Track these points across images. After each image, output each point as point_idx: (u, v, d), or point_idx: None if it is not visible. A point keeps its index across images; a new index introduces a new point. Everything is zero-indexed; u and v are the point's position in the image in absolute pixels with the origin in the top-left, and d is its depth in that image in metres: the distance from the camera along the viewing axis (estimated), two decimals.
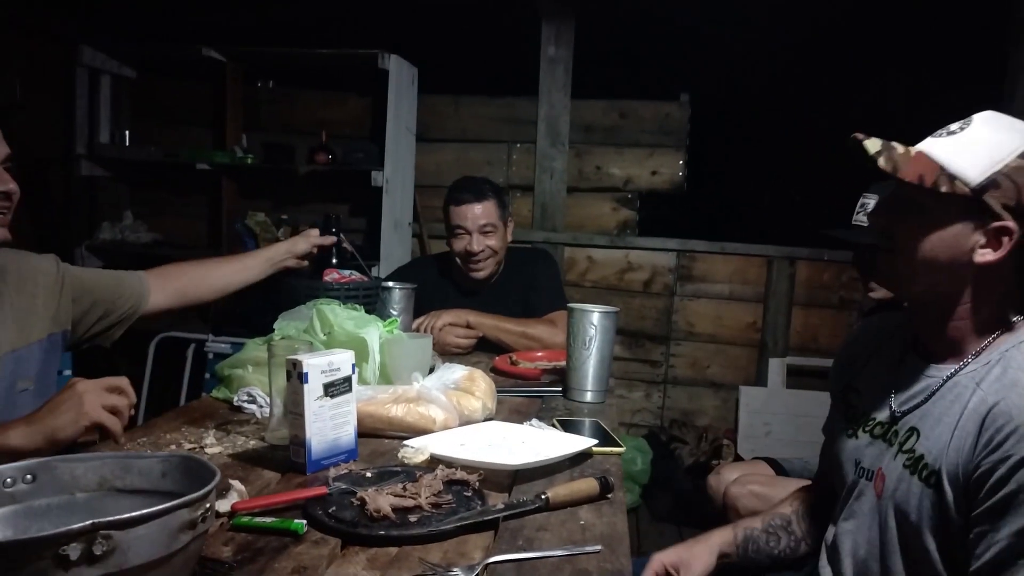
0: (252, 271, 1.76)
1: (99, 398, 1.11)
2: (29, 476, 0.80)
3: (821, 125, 3.43)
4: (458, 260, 2.31)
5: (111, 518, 0.61)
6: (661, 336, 3.57)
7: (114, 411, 1.12)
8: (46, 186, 3.44)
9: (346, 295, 1.81)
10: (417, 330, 2.07)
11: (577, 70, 3.45)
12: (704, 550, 1.25)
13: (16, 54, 3.19)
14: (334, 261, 1.91)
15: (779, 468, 1.98)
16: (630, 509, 3.21)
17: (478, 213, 2.26)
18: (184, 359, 3.26)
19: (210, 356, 3.16)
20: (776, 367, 3.47)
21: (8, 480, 0.79)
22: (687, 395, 3.59)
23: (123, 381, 1.16)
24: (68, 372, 2.30)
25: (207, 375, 3.15)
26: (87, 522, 0.60)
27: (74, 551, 0.58)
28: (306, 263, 1.85)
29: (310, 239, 1.83)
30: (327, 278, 1.85)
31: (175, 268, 1.68)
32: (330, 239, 1.88)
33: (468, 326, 2.15)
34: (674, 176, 3.53)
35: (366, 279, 1.93)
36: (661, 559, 1.22)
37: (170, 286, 1.63)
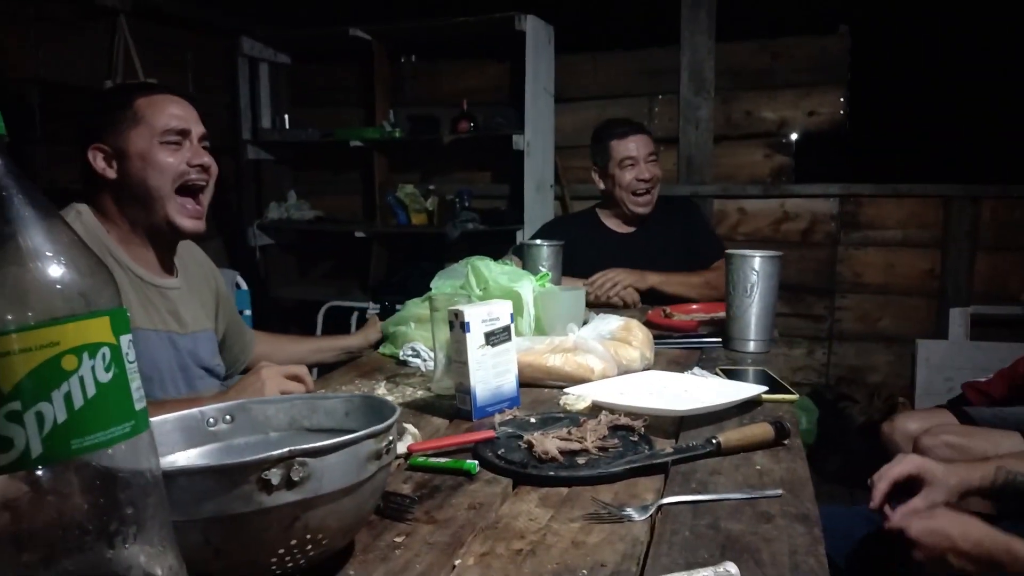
0: (325, 355, 1.82)
1: (279, 384, 1.20)
2: (228, 416, 0.87)
3: (1001, 47, 3.06)
4: (624, 194, 2.33)
5: (306, 446, 0.64)
6: (824, 289, 3.35)
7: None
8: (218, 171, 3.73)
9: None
10: (594, 292, 2.09)
11: (721, 11, 3.27)
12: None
13: (186, 49, 3.46)
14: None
15: (965, 417, 1.80)
16: None
17: (644, 142, 2.34)
18: (350, 325, 3.46)
19: (382, 323, 3.34)
20: (958, 317, 3.16)
21: (211, 420, 0.86)
22: (855, 351, 3.35)
23: (302, 370, 1.26)
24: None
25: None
26: (285, 449, 0.63)
27: (275, 476, 0.62)
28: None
29: (379, 327, 1.80)
30: None
31: (266, 336, 1.80)
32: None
33: (652, 289, 2.14)
34: (834, 115, 3.27)
35: None
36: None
37: (258, 349, 1.74)
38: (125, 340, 0.53)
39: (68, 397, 0.49)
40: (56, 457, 0.48)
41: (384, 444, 0.71)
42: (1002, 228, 3.11)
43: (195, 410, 0.86)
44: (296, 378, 1.23)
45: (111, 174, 1.37)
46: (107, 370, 0.51)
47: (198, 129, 1.42)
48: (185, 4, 3.36)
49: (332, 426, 0.85)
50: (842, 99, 3.25)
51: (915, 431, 1.79)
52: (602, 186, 2.43)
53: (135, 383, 0.53)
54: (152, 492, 0.54)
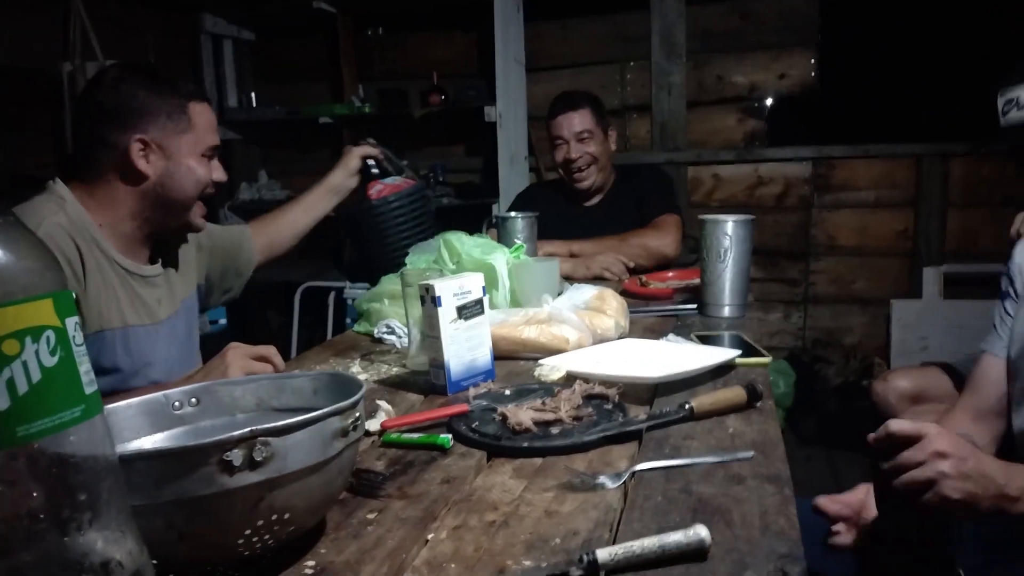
0: (319, 205, 1.81)
1: (244, 366, 1.18)
2: (194, 399, 0.85)
3: (966, 4, 3.06)
4: (561, 172, 2.34)
5: (268, 425, 0.63)
6: (799, 252, 3.37)
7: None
8: None
9: (400, 206, 1.77)
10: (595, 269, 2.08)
11: None
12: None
13: (147, 27, 3.37)
14: (373, 171, 1.84)
15: (955, 373, 1.81)
16: None
17: (574, 121, 2.30)
18: (327, 306, 3.43)
19: (349, 302, 3.32)
20: (931, 277, 3.20)
21: (176, 403, 0.84)
22: (830, 313, 3.39)
23: (270, 350, 1.23)
24: (223, 321, 2.47)
25: (348, 320, 3.30)
26: (246, 429, 0.62)
27: (236, 456, 0.61)
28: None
29: (356, 152, 1.81)
30: (372, 191, 1.81)
31: (262, 225, 1.76)
32: (371, 149, 1.83)
33: (571, 255, 2.13)
34: (805, 78, 3.27)
35: (412, 181, 1.86)
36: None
37: (259, 243, 1.71)
38: (71, 322, 0.51)
39: (11, 383, 0.47)
40: (2, 445, 0.47)
41: (350, 421, 0.70)
42: (972, 185, 3.14)
43: (159, 394, 0.85)
44: (263, 359, 1.21)
45: (148, 170, 1.32)
46: (52, 354, 0.49)
47: (209, 138, 1.41)
48: None
49: (300, 405, 0.84)
50: (812, 60, 3.24)
51: (908, 388, 1.81)
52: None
53: (84, 366, 0.52)
54: (107, 477, 0.53)
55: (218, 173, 1.41)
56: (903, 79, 3.32)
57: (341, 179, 1.80)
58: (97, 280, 1.30)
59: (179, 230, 1.45)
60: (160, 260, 1.46)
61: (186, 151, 1.34)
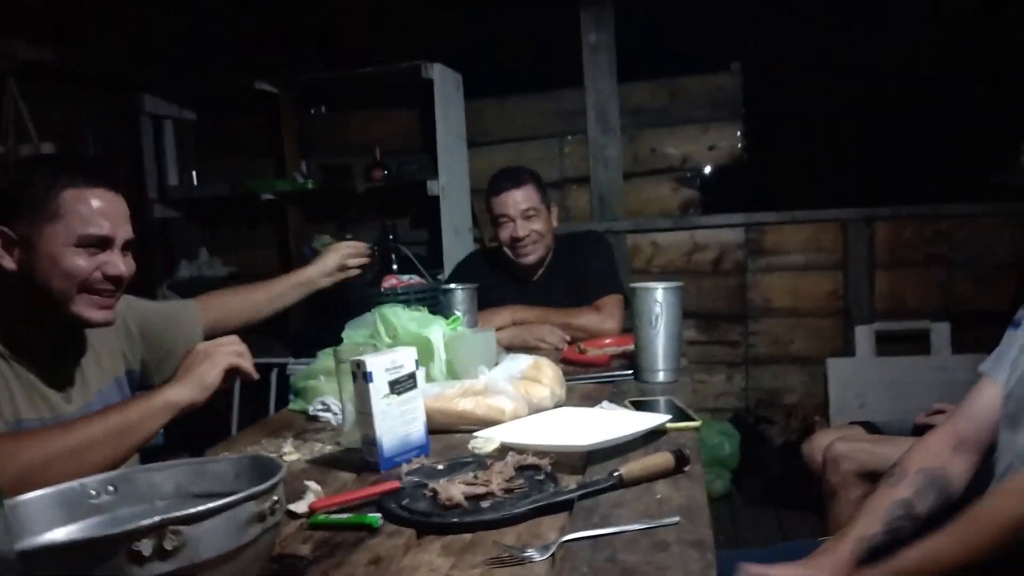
0: (286, 297, 1.76)
1: (227, 347, 1.24)
2: (111, 487, 0.84)
3: (886, 77, 3.28)
4: (506, 250, 2.33)
5: (178, 513, 0.62)
6: (737, 315, 3.46)
7: (239, 354, 1.25)
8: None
9: (407, 299, 1.82)
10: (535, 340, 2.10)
11: (621, 53, 3.41)
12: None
13: (85, 106, 3.36)
14: (394, 268, 1.92)
15: (875, 431, 1.89)
16: (722, 496, 3.13)
17: (519, 199, 2.28)
18: (269, 383, 3.36)
19: (292, 378, 3.25)
20: (864, 335, 3.32)
21: (92, 492, 0.82)
22: (771, 373, 3.47)
23: (235, 338, 1.27)
24: None
25: (291, 396, 3.24)
26: (155, 519, 0.61)
27: (146, 547, 0.60)
28: (346, 276, 1.81)
29: (340, 252, 1.79)
30: (386, 284, 1.87)
31: (212, 300, 1.69)
32: (361, 245, 1.82)
33: (514, 323, 2.15)
34: (733, 149, 3.43)
35: (425, 282, 1.94)
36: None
37: (206, 318, 1.64)
38: None
39: None
40: None
41: (267, 505, 0.69)
42: (896, 246, 3.30)
43: (75, 483, 0.83)
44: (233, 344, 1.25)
45: (8, 263, 1.22)
46: None
47: (124, 233, 1.29)
48: (80, 61, 3.26)
49: (221, 490, 0.82)
50: (739, 133, 3.41)
51: (843, 453, 1.85)
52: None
53: None
54: (7, 573, 0.52)
55: (114, 267, 1.26)
56: (824, 148, 3.52)
57: (315, 276, 1.75)
58: None
59: (74, 322, 1.29)
60: (69, 351, 1.37)
61: (53, 244, 1.21)
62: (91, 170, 1.27)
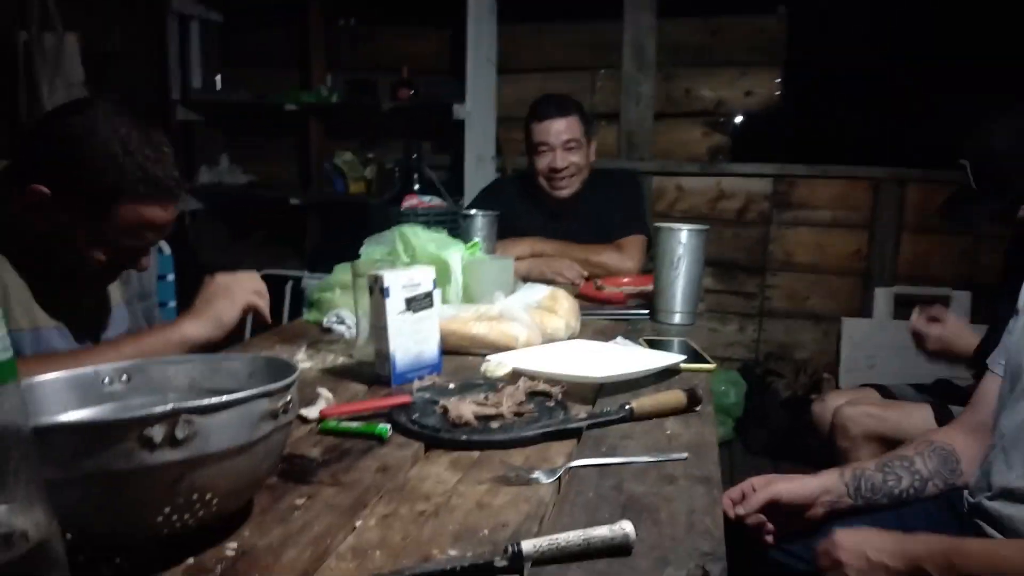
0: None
1: (247, 284, 1.25)
2: (125, 376, 0.84)
3: (935, 35, 3.14)
4: (541, 179, 2.27)
5: (192, 403, 0.62)
6: (756, 267, 3.42)
7: (258, 294, 1.25)
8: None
9: (427, 220, 1.80)
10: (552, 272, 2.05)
11: None
12: (799, 483, 1.13)
13: (112, 2, 3.29)
14: (416, 188, 1.89)
15: (888, 394, 1.87)
16: (723, 443, 3.15)
17: (561, 128, 2.21)
18: (283, 293, 3.38)
19: (306, 292, 3.27)
20: (883, 297, 3.27)
21: (106, 379, 0.82)
22: (784, 328, 3.45)
23: (255, 275, 1.28)
24: (172, 304, 2.42)
25: (304, 309, 3.26)
26: (169, 406, 0.61)
27: (157, 433, 0.60)
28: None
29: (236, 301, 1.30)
30: (406, 204, 1.84)
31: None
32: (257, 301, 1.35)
33: (533, 254, 2.13)
34: (770, 96, 3.32)
35: (446, 204, 1.91)
36: (751, 481, 1.14)
37: None
38: None
39: None
40: None
41: (280, 404, 0.69)
42: (926, 211, 3.22)
43: (90, 369, 0.83)
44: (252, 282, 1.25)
45: (40, 224, 1.13)
46: None
47: (164, 234, 1.23)
48: None
49: (234, 387, 0.82)
50: (778, 80, 3.30)
51: (852, 417, 1.84)
52: (527, 164, 2.40)
53: None
54: (16, 446, 0.51)
55: (140, 265, 1.23)
56: (864, 103, 3.39)
57: (197, 334, 1.22)
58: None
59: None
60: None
61: (90, 234, 1.15)
62: (156, 181, 1.14)
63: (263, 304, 1.26)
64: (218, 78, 3.74)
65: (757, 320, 3.47)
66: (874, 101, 3.37)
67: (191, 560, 0.66)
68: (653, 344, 1.42)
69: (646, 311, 1.71)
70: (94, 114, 1.12)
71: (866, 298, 3.32)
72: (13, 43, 2.76)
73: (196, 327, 1.20)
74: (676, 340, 1.48)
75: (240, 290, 1.24)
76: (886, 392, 1.89)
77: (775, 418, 3.12)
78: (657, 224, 1.67)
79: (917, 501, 1.14)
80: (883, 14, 3.23)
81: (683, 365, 1.26)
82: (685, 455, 0.89)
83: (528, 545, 0.65)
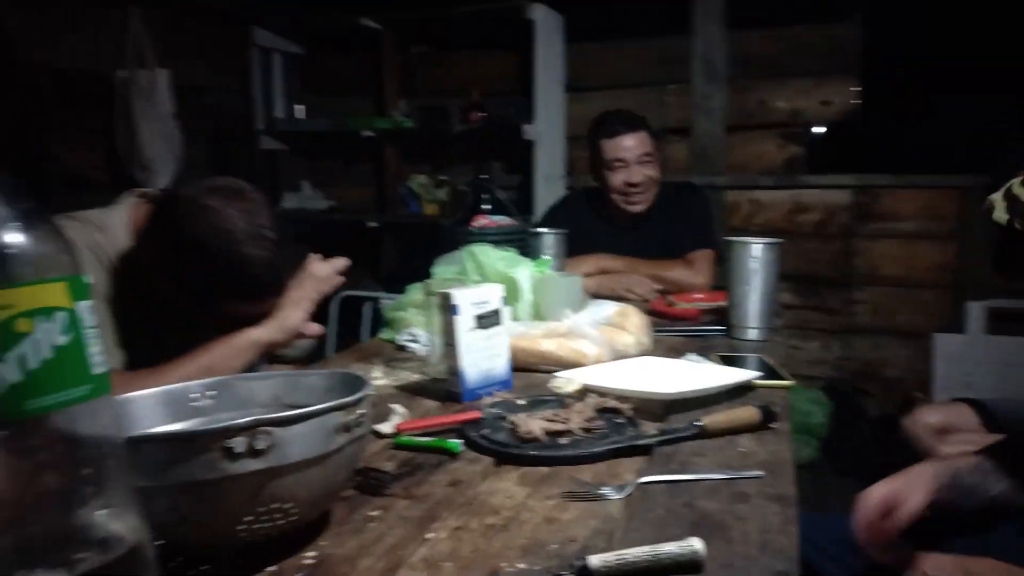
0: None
1: (308, 287, 1.35)
2: (212, 392, 0.88)
3: (1012, 38, 2.99)
4: (614, 195, 2.27)
5: (271, 416, 0.65)
6: (839, 281, 3.30)
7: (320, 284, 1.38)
8: (231, 162, 3.75)
9: (496, 240, 1.82)
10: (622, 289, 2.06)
11: None
12: (920, 482, 1.07)
13: (200, 38, 3.49)
14: (485, 207, 1.92)
15: (984, 410, 1.77)
16: (808, 464, 3.04)
17: (635, 143, 2.22)
18: (360, 314, 3.47)
19: (383, 309, 3.36)
20: (976, 311, 3.10)
21: (193, 395, 0.87)
22: (871, 344, 3.31)
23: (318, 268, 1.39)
24: None
25: (382, 327, 3.34)
26: (249, 418, 0.64)
27: (239, 444, 0.63)
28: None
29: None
30: (475, 224, 1.86)
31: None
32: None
33: (601, 271, 2.12)
34: (847, 105, 3.23)
35: (515, 223, 1.93)
36: (879, 492, 1.08)
37: None
38: (83, 306, 0.54)
39: (22, 358, 0.49)
40: (10, 416, 0.49)
41: (353, 417, 0.71)
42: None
43: (179, 386, 0.87)
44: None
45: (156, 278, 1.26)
46: (63, 334, 0.51)
47: (264, 318, 1.31)
48: None
49: (311, 402, 0.85)
50: (855, 88, 3.20)
51: (935, 423, 1.76)
52: (594, 183, 2.38)
53: (94, 348, 0.54)
54: (111, 455, 0.55)
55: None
56: (946, 110, 3.25)
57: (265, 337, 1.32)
58: None
59: None
60: None
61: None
62: (256, 281, 1.25)
63: (313, 331, 1.35)
64: (298, 107, 3.90)
65: (842, 336, 3.34)
66: (956, 107, 3.23)
67: (273, 568, 0.68)
68: (727, 361, 1.39)
69: (722, 327, 1.68)
70: (202, 215, 1.18)
71: (956, 313, 3.15)
72: (111, 81, 2.96)
73: (261, 331, 1.28)
74: (751, 356, 1.45)
75: (302, 298, 1.32)
76: (980, 407, 1.78)
77: (864, 439, 2.99)
78: (729, 238, 1.64)
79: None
80: (960, 18, 3.09)
81: (758, 382, 1.23)
82: (760, 473, 0.87)
83: (595, 560, 0.65)
